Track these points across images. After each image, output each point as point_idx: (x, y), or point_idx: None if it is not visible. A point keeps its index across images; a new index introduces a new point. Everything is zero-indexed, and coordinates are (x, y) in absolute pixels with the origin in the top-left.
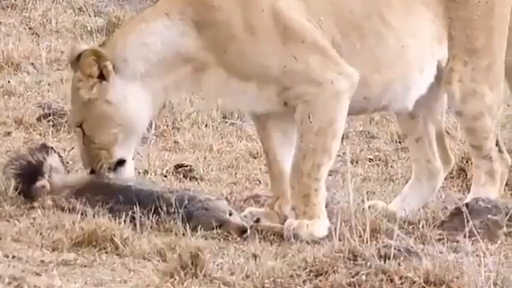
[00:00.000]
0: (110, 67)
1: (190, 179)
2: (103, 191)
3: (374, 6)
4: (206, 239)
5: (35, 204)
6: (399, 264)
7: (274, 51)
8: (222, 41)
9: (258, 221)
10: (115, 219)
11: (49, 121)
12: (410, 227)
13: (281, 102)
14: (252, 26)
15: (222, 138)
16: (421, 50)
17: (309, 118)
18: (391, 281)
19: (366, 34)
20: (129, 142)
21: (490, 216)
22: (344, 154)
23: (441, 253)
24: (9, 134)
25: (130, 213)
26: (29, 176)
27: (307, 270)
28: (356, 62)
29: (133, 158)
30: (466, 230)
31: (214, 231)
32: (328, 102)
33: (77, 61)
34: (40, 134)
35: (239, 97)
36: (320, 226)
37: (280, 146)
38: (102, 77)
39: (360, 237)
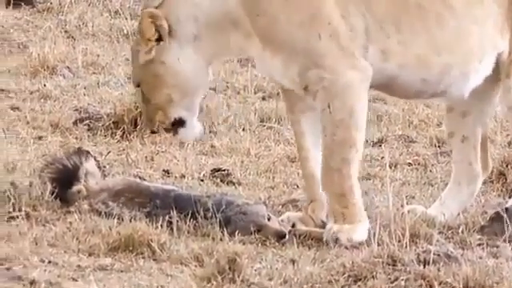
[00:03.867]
0: (165, 25)
1: (228, 183)
2: (141, 195)
3: None
4: (243, 244)
5: (71, 208)
6: (438, 269)
7: (301, 23)
8: (256, 2)
9: (293, 226)
10: (152, 224)
11: (85, 125)
12: (450, 232)
13: (302, 84)
14: None
15: (259, 141)
16: (482, 38)
17: (329, 107)
18: (430, 286)
19: (427, 15)
20: (184, 102)
21: None
22: (383, 158)
23: (480, 258)
24: (44, 138)
25: (167, 217)
26: (65, 180)
27: (346, 275)
28: (414, 41)
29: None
30: (506, 234)
31: (252, 236)
32: (345, 92)
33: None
34: (76, 138)
35: (272, 72)
36: (360, 230)
37: (313, 146)
38: (160, 38)
39: (399, 242)
